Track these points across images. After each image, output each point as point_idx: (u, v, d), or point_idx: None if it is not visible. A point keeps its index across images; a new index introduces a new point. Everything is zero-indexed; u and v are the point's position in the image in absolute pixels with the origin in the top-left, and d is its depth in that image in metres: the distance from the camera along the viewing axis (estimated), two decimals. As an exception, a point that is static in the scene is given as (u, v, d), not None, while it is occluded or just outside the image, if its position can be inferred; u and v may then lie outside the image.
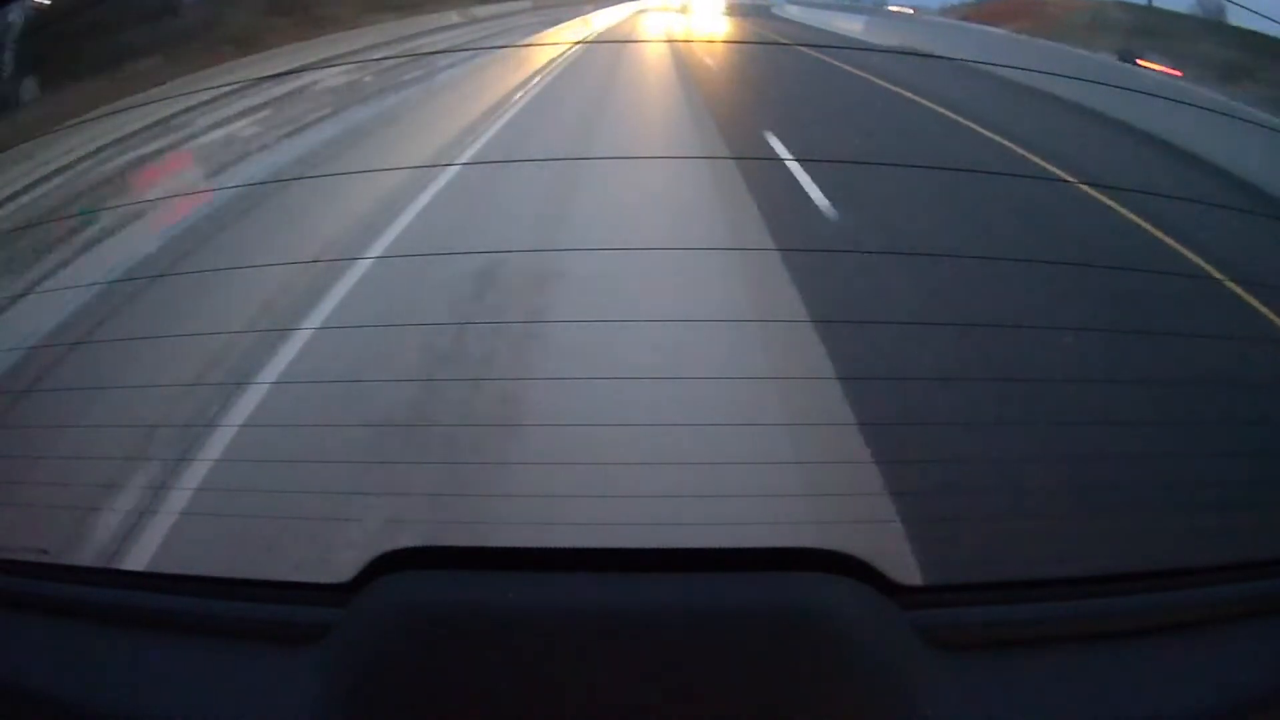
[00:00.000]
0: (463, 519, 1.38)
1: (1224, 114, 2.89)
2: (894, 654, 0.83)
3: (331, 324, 2.37)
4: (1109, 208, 2.78)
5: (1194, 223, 2.66)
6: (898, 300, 2.40)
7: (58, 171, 2.96)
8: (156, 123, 3.34)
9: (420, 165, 3.22)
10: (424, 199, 3.09)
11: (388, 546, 0.92)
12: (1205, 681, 0.85)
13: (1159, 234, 2.69)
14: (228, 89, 3.57)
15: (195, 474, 1.88)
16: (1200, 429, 1.74)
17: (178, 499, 1.80)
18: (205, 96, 3.49)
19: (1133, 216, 2.76)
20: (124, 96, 3.04)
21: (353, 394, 2.01)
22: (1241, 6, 2.61)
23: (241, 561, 1.48)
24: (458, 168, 3.17)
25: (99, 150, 3.16)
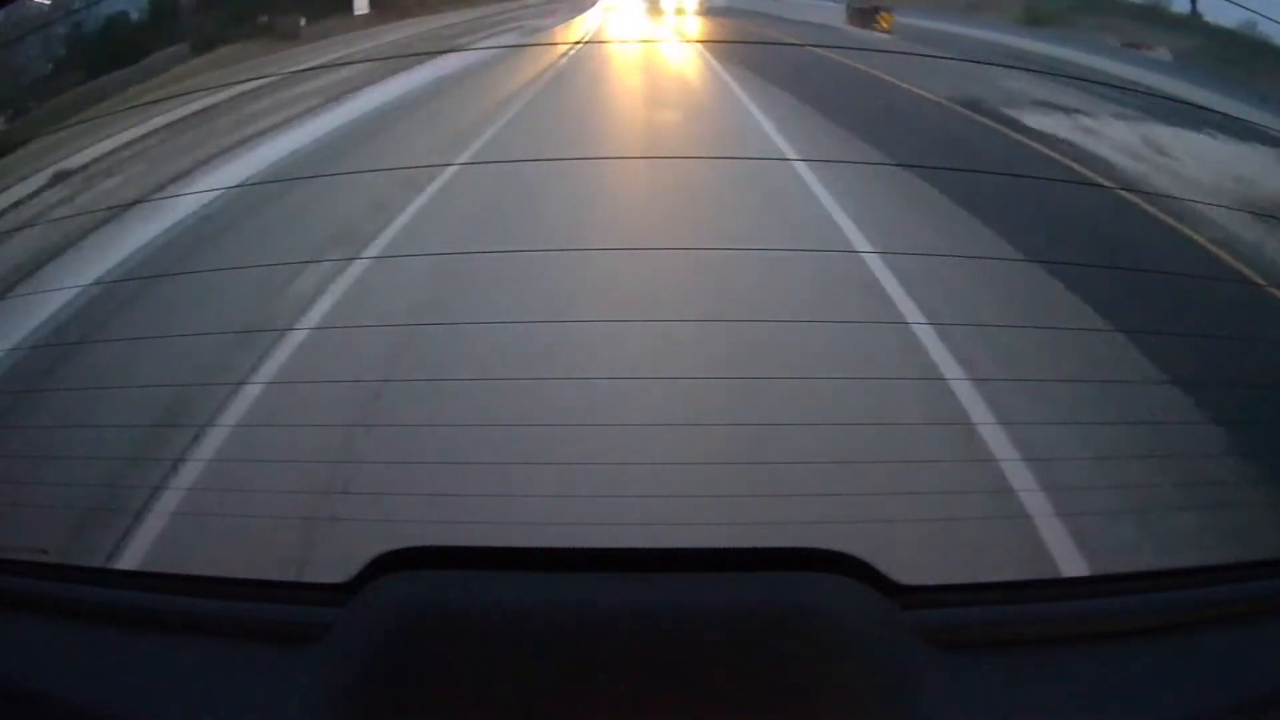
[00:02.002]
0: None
1: (1225, 113, 2.89)
2: (894, 654, 0.83)
3: (330, 324, 2.37)
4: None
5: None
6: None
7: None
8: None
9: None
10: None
11: (387, 546, 0.92)
12: (1205, 681, 0.85)
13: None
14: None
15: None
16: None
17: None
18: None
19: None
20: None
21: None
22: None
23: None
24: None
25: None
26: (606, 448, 1.69)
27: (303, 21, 3.91)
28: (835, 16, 4.28)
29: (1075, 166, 3.11)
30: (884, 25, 3.61)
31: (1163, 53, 3.21)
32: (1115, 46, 3.38)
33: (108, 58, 3.25)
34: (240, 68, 3.69)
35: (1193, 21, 3.31)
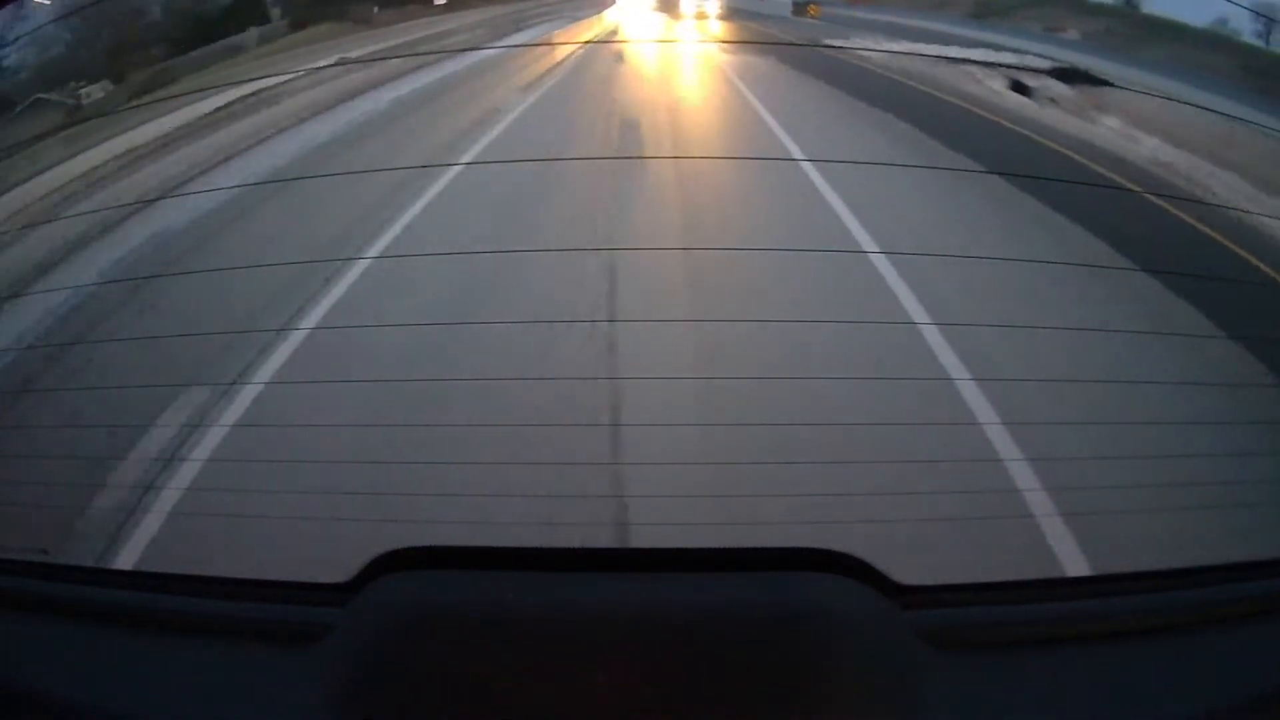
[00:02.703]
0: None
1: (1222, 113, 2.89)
2: (894, 654, 0.83)
3: (331, 324, 2.37)
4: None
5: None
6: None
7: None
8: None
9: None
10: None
11: (388, 546, 0.92)
12: (1205, 681, 0.85)
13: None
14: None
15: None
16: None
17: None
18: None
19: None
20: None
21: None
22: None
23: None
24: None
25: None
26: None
27: (375, 9, 4.11)
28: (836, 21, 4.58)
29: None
30: (813, 13, 4.52)
31: (1073, 34, 3.83)
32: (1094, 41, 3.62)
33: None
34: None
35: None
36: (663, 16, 4.86)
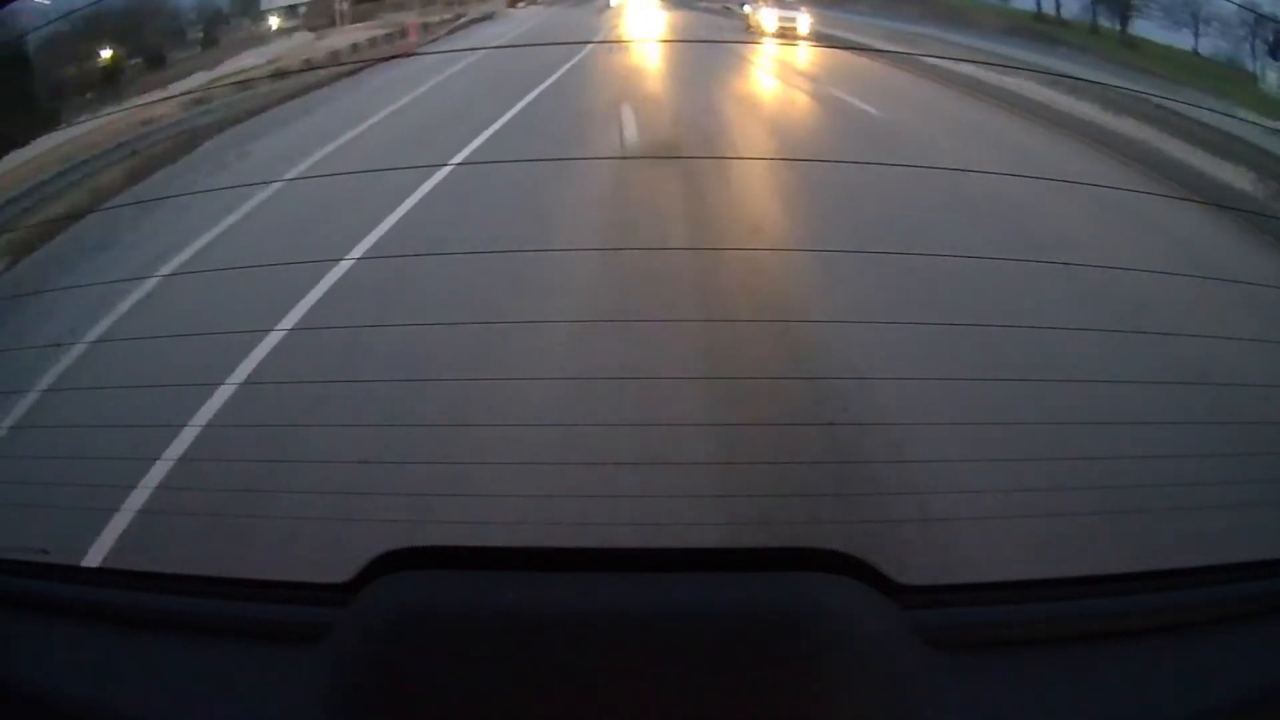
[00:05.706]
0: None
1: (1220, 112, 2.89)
2: (894, 654, 0.83)
3: (331, 323, 2.37)
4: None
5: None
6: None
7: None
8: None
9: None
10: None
11: (388, 546, 0.92)
12: (1205, 681, 0.85)
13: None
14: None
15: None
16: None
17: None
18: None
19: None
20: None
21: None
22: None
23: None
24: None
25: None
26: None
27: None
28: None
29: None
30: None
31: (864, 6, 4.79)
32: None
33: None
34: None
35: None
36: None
